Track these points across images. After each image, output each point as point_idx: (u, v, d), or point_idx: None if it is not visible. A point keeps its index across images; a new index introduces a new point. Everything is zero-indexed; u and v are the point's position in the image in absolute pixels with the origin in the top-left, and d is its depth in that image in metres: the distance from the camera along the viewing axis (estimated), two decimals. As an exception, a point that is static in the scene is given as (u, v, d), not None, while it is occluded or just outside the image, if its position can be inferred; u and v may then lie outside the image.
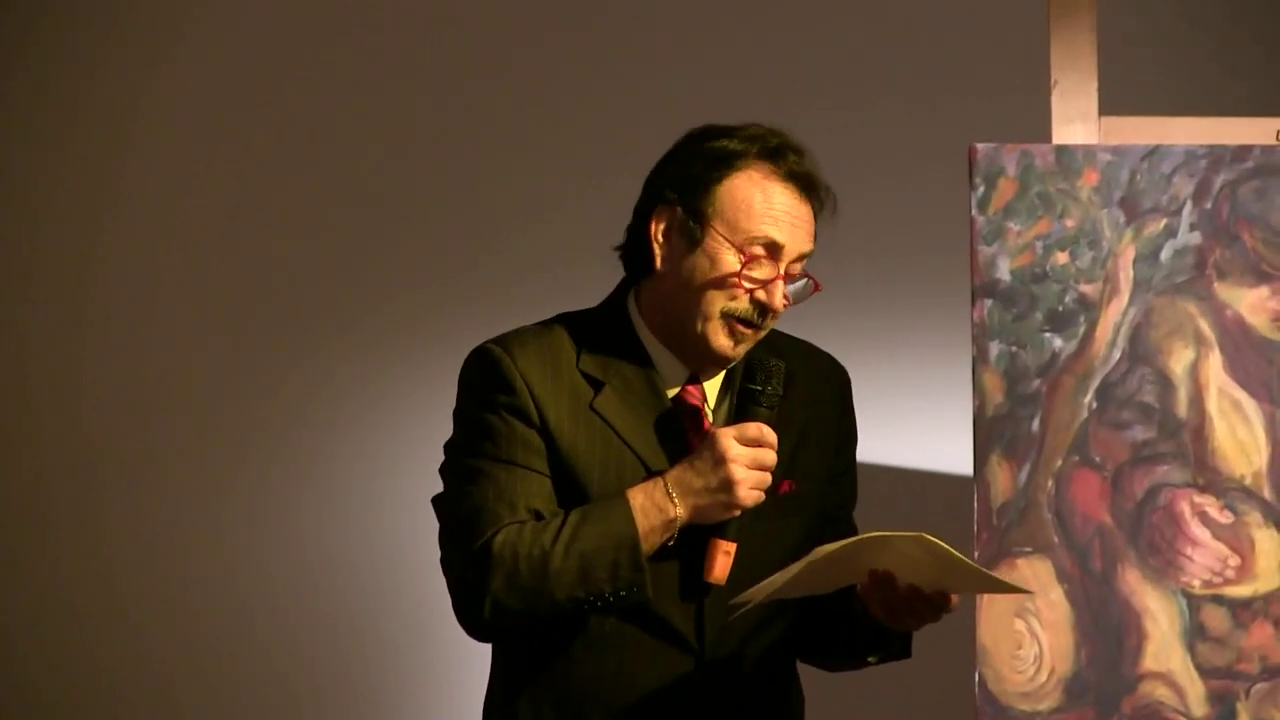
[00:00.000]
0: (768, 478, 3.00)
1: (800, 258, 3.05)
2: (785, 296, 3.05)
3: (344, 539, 4.55)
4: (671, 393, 3.10)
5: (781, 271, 3.03)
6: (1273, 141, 3.40)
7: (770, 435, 2.99)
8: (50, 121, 4.59)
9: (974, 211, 3.35)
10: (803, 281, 3.07)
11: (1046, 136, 3.43)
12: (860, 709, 4.40)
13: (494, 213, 4.56)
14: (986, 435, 3.31)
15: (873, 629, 3.06)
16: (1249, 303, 3.32)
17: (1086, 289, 3.33)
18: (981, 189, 3.35)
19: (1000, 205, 3.34)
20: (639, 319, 3.12)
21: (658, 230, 3.07)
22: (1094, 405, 3.31)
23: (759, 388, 3.01)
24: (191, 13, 4.61)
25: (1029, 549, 3.29)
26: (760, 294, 3.02)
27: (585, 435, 3.06)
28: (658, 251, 3.07)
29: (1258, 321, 3.32)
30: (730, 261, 3.02)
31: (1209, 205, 3.33)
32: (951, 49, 4.51)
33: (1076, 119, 3.44)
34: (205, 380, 4.57)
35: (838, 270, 4.49)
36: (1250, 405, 3.30)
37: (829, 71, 4.53)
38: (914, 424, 4.44)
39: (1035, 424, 3.31)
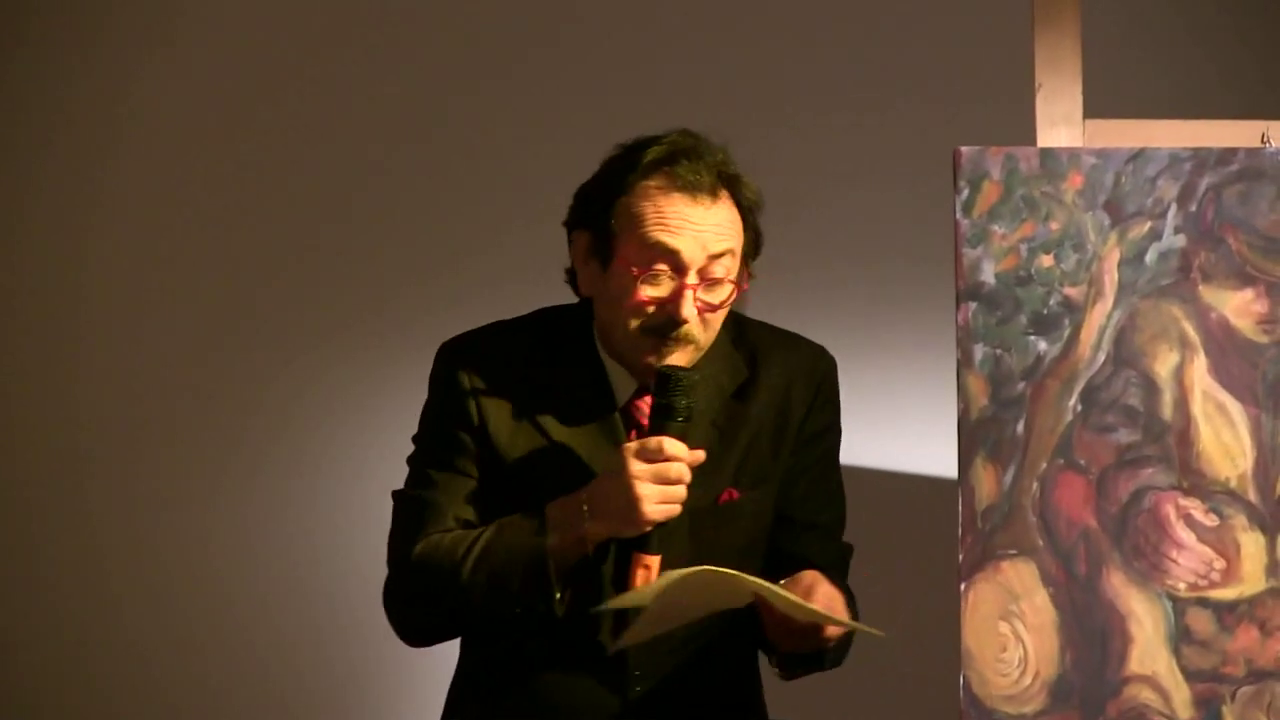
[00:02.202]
0: (678, 492, 2.97)
1: (715, 258, 3.03)
2: (709, 306, 3.03)
3: (332, 539, 4.55)
4: (624, 401, 3.10)
5: (689, 280, 3.01)
6: (1258, 144, 3.40)
7: (675, 449, 2.96)
8: (35, 122, 4.58)
9: (958, 215, 3.34)
10: (724, 286, 3.06)
11: (1031, 140, 3.43)
12: (845, 711, 4.39)
13: (484, 214, 4.55)
14: (971, 438, 3.30)
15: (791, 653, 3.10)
16: (1234, 306, 3.32)
17: (1071, 292, 3.32)
18: (966, 192, 3.34)
19: (984, 208, 3.34)
20: (596, 329, 3.12)
21: (576, 255, 3.09)
22: (1078, 408, 3.31)
23: (665, 401, 3.00)
24: (177, 12, 4.59)
25: (1013, 552, 3.29)
26: (670, 307, 3.01)
27: (525, 443, 3.06)
28: (580, 274, 3.09)
29: (1243, 325, 3.32)
30: (633, 279, 3.01)
31: (1194, 208, 3.33)
32: (935, 53, 4.51)
33: (1061, 122, 3.43)
34: (193, 381, 4.56)
35: (823, 272, 4.51)
36: (1235, 408, 3.30)
37: (814, 75, 4.53)
38: (898, 427, 4.44)
39: (1020, 427, 3.31)
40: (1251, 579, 3.29)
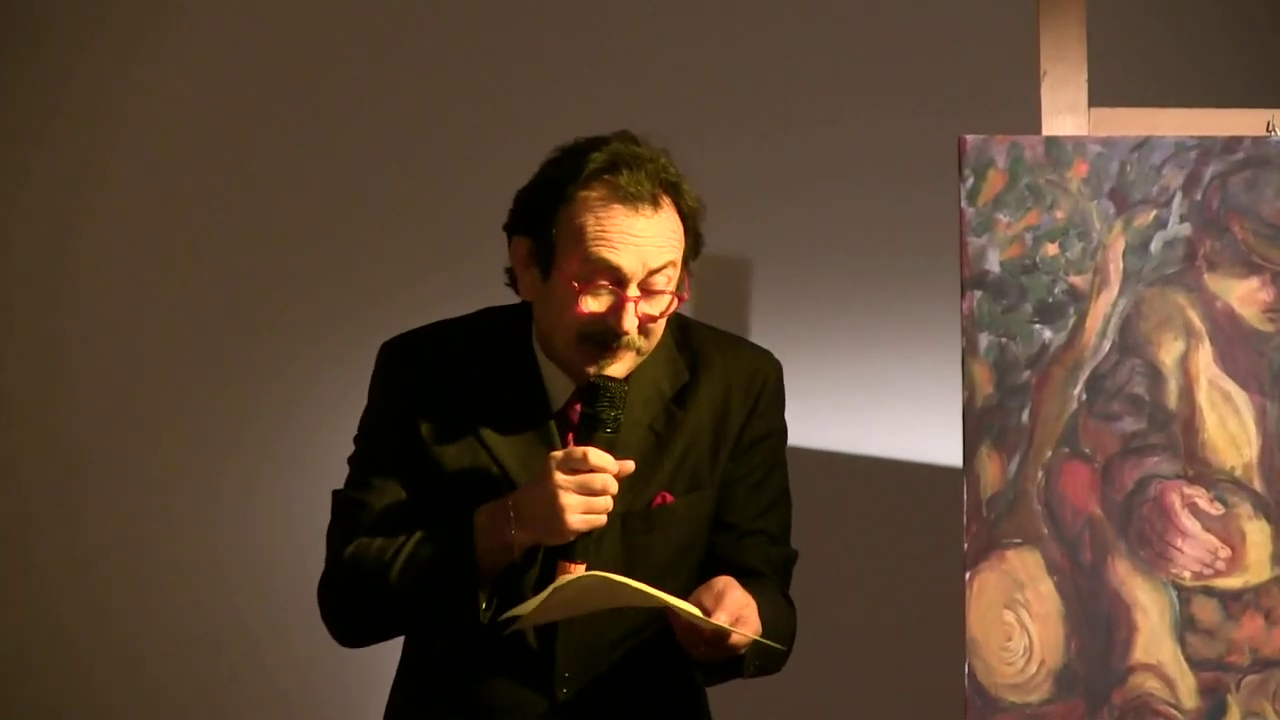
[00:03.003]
0: (602, 503, 2.96)
1: (655, 271, 3.02)
2: (650, 318, 3.02)
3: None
4: (560, 405, 3.10)
5: (629, 293, 3.00)
6: (1263, 133, 3.40)
7: (600, 459, 2.96)
8: (30, 117, 4.57)
9: (963, 203, 3.34)
10: (664, 297, 3.05)
11: (1036, 128, 3.43)
12: (850, 700, 4.40)
13: (482, 212, 4.53)
14: (976, 427, 3.30)
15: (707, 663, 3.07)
16: (1239, 294, 3.32)
17: (1076, 280, 3.32)
18: (971, 180, 3.34)
19: (990, 197, 3.34)
20: (535, 333, 3.12)
21: (516, 260, 3.08)
22: (1084, 397, 3.31)
23: (592, 412, 2.99)
24: (168, 14, 4.58)
25: (1018, 540, 3.29)
26: (610, 319, 3.01)
27: (460, 447, 3.06)
28: (520, 279, 3.08)
29: (1248, 313, 3.32)
30: (574, 293, 3.00)
31: (1199, 197, 3.33)
32: (941, 40, 4.51)
33: (1066, 110, 3.43)
34: (194, 380, 4.54)
35: (827, 261, 4.50)
36: (1240, 397, 3.30)
37: (818, 64, 4.53)
38: (903, 415, 4.44)
39: (1025, 415, 3.31)
40: (1257, 568, 3.29)
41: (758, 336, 4.45)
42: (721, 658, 3.00)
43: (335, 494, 3.13)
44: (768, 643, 2.99)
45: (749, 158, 4.49)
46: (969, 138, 3.36)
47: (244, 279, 4.55)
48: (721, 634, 2.95)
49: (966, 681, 3.27)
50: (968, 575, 3.27)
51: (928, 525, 4.26)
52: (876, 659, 4.41)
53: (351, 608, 3.04)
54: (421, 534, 3.01)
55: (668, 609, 2.96)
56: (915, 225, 4.43)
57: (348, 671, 4.46)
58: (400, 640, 3.20)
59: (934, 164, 4.14)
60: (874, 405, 4.43)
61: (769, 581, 3.14)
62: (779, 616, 3.10)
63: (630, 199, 2.99)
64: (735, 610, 2.97)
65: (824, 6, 4.54)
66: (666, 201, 3.03)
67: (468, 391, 3.09)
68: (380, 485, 3.07)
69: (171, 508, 4.52)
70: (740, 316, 4.46)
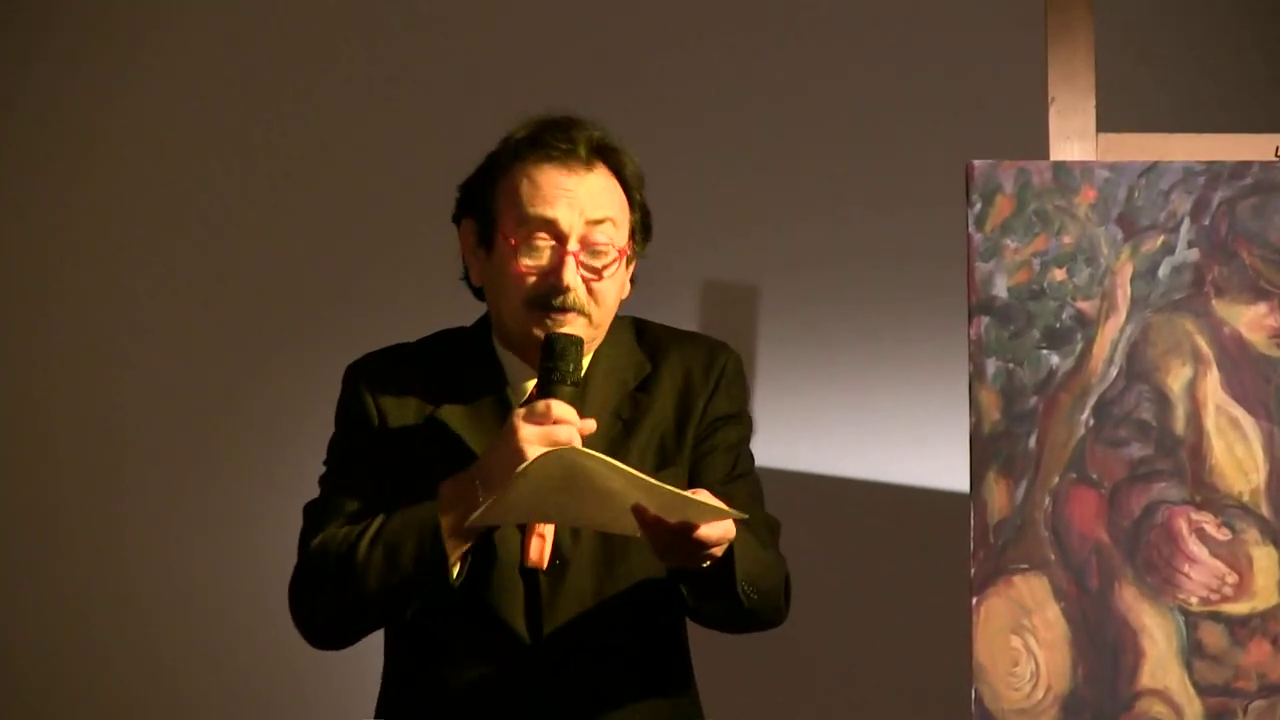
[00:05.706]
0: None
1: (595, 224, 3.06)
2: (594, 271, 3.05)
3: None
4: (525, 393, 3.12)
5: (570, 248, 3.04)
6: (1271, 158, 3.40)
7: (563, 411, 2.98)
8: (16, 118, 4.57)
9: (971, 228, 3.34)
10: (606, 251, 3.07)
11: (1044, 153, 3.43)
12: (856, 726, 4.40)
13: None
14: (983, 452, 3.30)
15: (694, 577, 3.01)
16: (1247, 320, 3.32)
17: (1084, 306, 3.32)
18: (979, 206, 3.35)
19: (997, 222, 3.34)
20: (494, 327, 3.15)
21: (465, 247, 3.14)
22: (1091, 422, 3.31)
23: (550, 365, 3.02)
24: (165, 12, 4.59)
25: (1025, 566, 3.29)
26: (552, 276, 3.04)
27: (427, 442, 3.10)
28: (470, 267, 3.14)
29: (1256, 339, 3.32)
30: (512, 250, 3.05)
31: (1207, 222, 3.33)
32: (949, 66, 4.51)
33: (1074, 136, 3.44)
34: (234, 400, 4.54)
35: (835, 286, 4.50)
36: (1248, 422, 3.30)
37: (826, 88, 4.53)
38: (910, 441, 4.44)
39: (1032, 441, 3.31)
40: (1264, 593, 3.28)
41: (766, 361, 4.46)
42: (695, 564, 2.94)
43: (309, 505, 3.15)
44: (729, 511, 2.88)
45: (756, 183, 4.49)
46: (977, 163, 3.36)
47: (247, 286, 4.55)
48: (688, 528, 2.89)
49: (973, 707, 3.27)
50: (974, 601, 3.27)
51: (935, 551, 4.26)
52: (884, 684, 4.40)
53: (320, 597, 3.05)
54: (389, 514, 3.04)
55: (638, 514, 2.87)
56: (923, 250, 4.43)
57: (370, 678, 4.47)
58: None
59: (942, 189, 4.15)
60: (881, 431, 4.43)
61: (752, 526, 3.08)
62: (762, 553, 3.05)
63: (561, 155, 3.09)
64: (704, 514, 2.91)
65: (833, 32, 4.54)
66: (601, 165, 3.11)
67: (431, 392, 3.13)
68: (349, 486, 3.12)
69: (212, 523, 4.53)
70: (748, 341, 4.46)
